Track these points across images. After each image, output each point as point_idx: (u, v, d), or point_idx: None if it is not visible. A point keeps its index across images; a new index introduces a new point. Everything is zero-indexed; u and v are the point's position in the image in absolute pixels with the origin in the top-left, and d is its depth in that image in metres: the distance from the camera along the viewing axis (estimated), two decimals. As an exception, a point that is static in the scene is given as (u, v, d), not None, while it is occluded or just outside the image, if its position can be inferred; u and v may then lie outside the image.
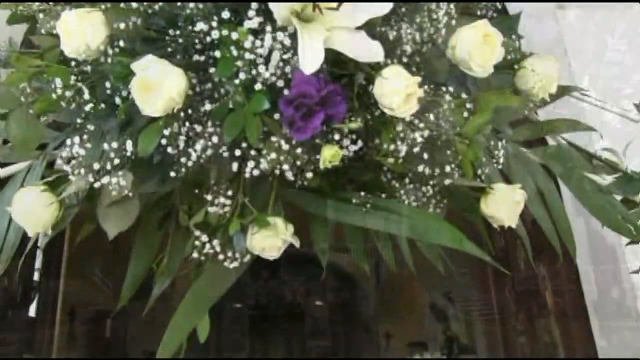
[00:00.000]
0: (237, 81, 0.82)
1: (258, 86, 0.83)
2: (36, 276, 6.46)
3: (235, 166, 0.89)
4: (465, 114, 0.95)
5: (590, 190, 1.11)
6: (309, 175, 0.89)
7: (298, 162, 0.86)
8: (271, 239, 0.94)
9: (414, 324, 14.61)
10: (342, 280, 19.34)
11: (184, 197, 1.02)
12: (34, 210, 0.94)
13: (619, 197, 1.13)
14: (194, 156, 0.87)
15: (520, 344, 2.83)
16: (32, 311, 4.48)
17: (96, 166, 0.87)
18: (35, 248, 3.06)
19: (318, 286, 19.73)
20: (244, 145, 0.85)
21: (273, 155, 0.84)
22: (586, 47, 1.64)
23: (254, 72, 0.82)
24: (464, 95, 0.97)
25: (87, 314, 9.67)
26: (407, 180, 0.97)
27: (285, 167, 0.86)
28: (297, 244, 0.99)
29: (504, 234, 3.07)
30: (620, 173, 1.11)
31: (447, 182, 0.98)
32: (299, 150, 0.85)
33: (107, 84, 0.91)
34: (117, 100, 0.92)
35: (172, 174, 0.90)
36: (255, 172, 0.87)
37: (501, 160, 1.03)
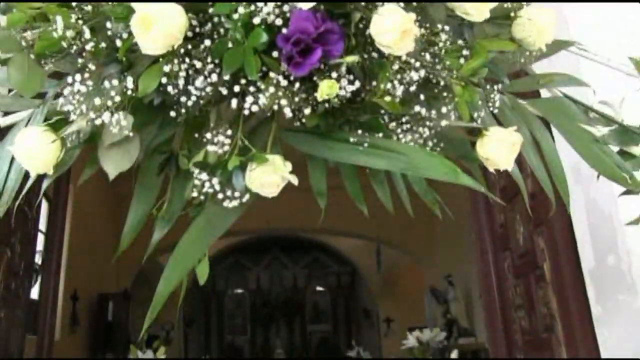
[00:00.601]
0: (236, 16, 0.83)
1: (257, 20, 0.84)
2: (38, 258, 6.54)
3: (234, 102, 0.90)
4: (462, 61, 0.97)
5: (586, 140, 1.12)
6: (307, 111, 0.90)
7: (296, 99, 0.87)
8: (269, 176, 0.96)
9: (414, 307, 14.75)
10: (342, 265, 19.46)
11: (184, 142, 1.04)
12: (36, 150, 0.96)
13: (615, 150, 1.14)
14: (194, 95, 0.89)
15: (519, 317, 2.85)
16: (34, 294, 4.52)
17: (97, 101, 0.89)
18: (36, 230, 3.06)
19: (319, 271, 19.88)
20: (243, 81, 0.87)
21: (272, 90, 0.85)
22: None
23: (252, 7, 0.83)
24: (460, 42, 0.98)
25: (90, 296, 9.70)
26: (403, 120, 0.99)
27: (284, 102, 0.87)
28: (295, 181, 1.00)
29: (503, 210, 3.09)
30: (616, 125, 1.12)
31: (443, 123, 0.99)
32: (297, 86, 0.86)
33: (108, 24, 0.93)
34: (118, 42, 0.94)
35: (173, 113, 0.91)
36: (255, 108, 0.88)
37: (497, 105, 1.04)
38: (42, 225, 7.07)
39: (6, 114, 1.17)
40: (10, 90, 1.08)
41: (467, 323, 9.73)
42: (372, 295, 17.49)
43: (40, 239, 7.97)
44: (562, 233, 2.25)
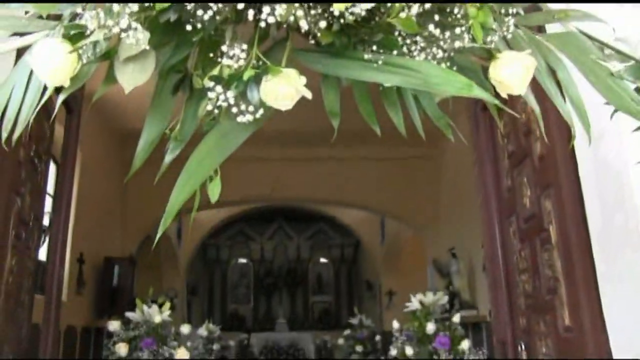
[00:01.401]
0: None
1: None
2: (46, 220, 6.56)
3: (251, 14, 0.90)
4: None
5: (602, 74, 1.11)
6: (323, 24, 0.89)
7: (312, 11, 0.86)
8: (284, 87, 0.95)
9: (416, 281, 14.82)
10: (346, 237, 19.53)
11: (198, 62, 1.04)
12: (53, 60, 0.96)
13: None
14: (211, 8, 0.88)
15: (522, 281, 2.86)
16: (42, 255, 4.56)
17: (116, 7, 0.88)
18: (45, 182, 3.07)
19: (323, 242, 19.95)
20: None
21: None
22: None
23: None
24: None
25: (96, 260, 9.79)
26: (417, 39, 0.98)
27: (300, 13, 0.86)
28: (309, 95, 0.99)
29: (510, 175, 3.08)
30: (632, 62, 1.11)
31: (456, 45, 0.98)
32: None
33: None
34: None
35: (189, 27, 0.91)
36: (271, 20, 0.87)
37: (511, 30, 1.03)
38: (50, 188, 7.15)
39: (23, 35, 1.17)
40: (26, 13, 1.08)
41: (469, 296, 9.79)
42: (375, 268, 17.62)
43: (48, 202, 8.02)
44: (570, 193, 2.25)
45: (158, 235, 1.08)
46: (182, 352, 2.82)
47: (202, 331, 6.64)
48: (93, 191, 10.23)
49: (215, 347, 6.45)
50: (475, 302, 9.75)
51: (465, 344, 3.09)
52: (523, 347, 2.77)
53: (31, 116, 1.08)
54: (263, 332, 18.20)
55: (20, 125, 1.09)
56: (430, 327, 3.09)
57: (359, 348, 6.16)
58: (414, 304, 3.23)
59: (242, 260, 20.54)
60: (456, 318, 3.23)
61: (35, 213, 2.82)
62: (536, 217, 2.60)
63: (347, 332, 6.47)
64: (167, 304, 2.96)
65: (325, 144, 11.62)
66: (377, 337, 6.48)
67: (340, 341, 6.46)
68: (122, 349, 2.79)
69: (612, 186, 2.00)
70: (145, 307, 2.94)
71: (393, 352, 3.25)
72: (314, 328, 18.74)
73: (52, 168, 6.33)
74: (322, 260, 20.71)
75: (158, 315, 2.92)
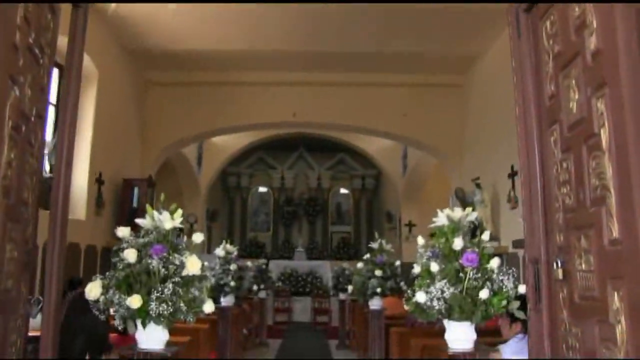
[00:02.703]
0: None
1: None
2: (50, 141, 6.42)
3: None
4: None
5: None
6: None
7: None
8: None
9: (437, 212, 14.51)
10: (367, 168, 19.46)
11: None
12: None
13: None
14: None
15: (562, 195, 2.63)
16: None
17: None
18: (48, 77, 2.85)
19: (344, 173, 19.91)
20: None
21: None
22: None
23: None
24: None
25: (115, 181, 9.74)
26: None
27: None
28: None
29: (554, 80, 2.81)
30: None
31: None
32: None
33: None
34: None
35: None
36: None
37: None
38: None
39: None
40: None
41: (492, 227, 9.63)
42: (396, 199, 17.52)
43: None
44: (629, 91, 1.99)
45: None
46: (193, 260, 2.66)
47: (220, 251, 6.56)
48: (111, 111, 10.08)
49: (233, 267, 6.37)
50: (498, 233, 9.60)
51: (494, 262, 2.90)
52: (559, 264, 2.57)
53: None
54: (282, 259, 18.39)
55: None
56: (458, 243, 2.89)
57: (378, 272, 6.03)
58: (441, 219, 3.02)
59: (262, 189, 20.56)
60: (485, 236, 3.03)
61: (38, 110, 2.62)
62: (585, 122, 2.34)
63: (366, 256, 6.34)
64: (179, 211, 2.78)
65: (349, 68, 11.32)
66: (397, 262, 6.35)
67: (360, 265, 6.33)
68: (130, 255, 2.63)
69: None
70: (155, 214, 2.77)
71: (416, 269, 3.06)
72: (333, 257, 18.87)
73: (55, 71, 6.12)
74: (343, 190, 20.64)
75: (169, 221, 2.74)
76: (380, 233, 6.58)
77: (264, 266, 12.04)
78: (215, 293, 6.49)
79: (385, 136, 13.82)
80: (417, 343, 5.07)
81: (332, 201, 20.64)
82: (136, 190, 10.58)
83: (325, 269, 17.30)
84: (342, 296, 11.64)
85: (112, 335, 3.49)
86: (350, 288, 6.48)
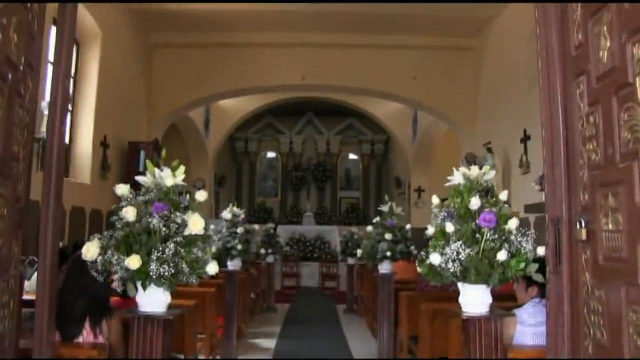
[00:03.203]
0: None
1: None
2: (45, 105, 6.28)
3: None
4: None
5: None
6: None
7: None
8: None
9: (447, 178, 14.41)
10: (377, 133, 19.24)
11: None
12: None
13: None
14: None
15: (588, 151, 2.45)
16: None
17: None
18: (39, 23, 2.69)
19: (353, 138, 19.70)
20: None
21: None
22: None
23: None
24: None
25: (121, 145, 9.61)
26: None
27: None
28: None
29: (583, 27, 2.62)
30: None
31: None
32: None
33: None
34: None
35: None
36: None
37: None
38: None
39: None
40: None
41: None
42: (405, 164, 17.34)
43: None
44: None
45: None
46: (195, 219, 2.52)
47: (227, 214, 6.44)
48: (116, 73, 9.90)
49: (240, 230, 6.25)
50: (510, 198, 9.43)
51: (512, 223, 2.74)
52: (583, 224, 2.41)
53: None
54: (290, 225, 18.34)
55: None
56: (475, 203, 2.73)
57: (388, 236, 5.90)
58: (457, 177, 2.86)
59: (271, 154, 20.41)
60: (503, 196, 2.87)
61: (28, 59, 2.46)
62: (617, 71, 2.16)
63: (376, 219, 6.20)
64: (182, 168, 2.64)
65: (359, 30, 11.03)
66: (408, 226, 6.21)
67: (369, 228, 6.20)
68: (129, 213, 2.49)
69: None
70: (157, 171, 2.62)
71: (430, 230, 2.91)
72: (341, 223, 18.80)
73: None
74: (352, 156, 20.46)
75: (170, 178, 2.60)
76: (389, 199, 6.42)
77: (272, 231, 11.95)
78: (223, 257, 6.40)
79: (396, 100, 13.57)
80: (427, 308, 4.96)
81: (341, 167, 20.49)
82: (142, 154, 10.44)
83: (334, 235, 17.24)
84: (350, 261, 11.56)
85: (114, 299, 3.38)
86: (359, 252, 6.34)
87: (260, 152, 20.34)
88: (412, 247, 6.13)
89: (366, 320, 9.77)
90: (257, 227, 7.22)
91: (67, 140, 8.85)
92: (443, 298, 5.05)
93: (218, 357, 6.42)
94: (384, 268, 6.18)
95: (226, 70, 11.69)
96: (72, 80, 9.02)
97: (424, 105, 12.73)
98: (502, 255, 2.66)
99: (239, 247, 6.21)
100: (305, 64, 11.75)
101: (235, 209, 6.61)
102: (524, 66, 9.22)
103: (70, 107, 8.93)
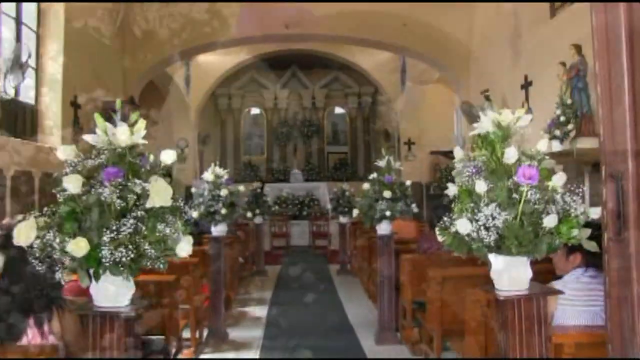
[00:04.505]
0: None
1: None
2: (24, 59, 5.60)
3: None
4: None
5: None
6: None
7: None
8: None
9: (438, 129, 13.93)
10: (364, 85, 18.40)
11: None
12: None
13: None
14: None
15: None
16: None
17: None
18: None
19: (339, 91, 18.85)
20: None
21: None
22: None
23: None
24: None
25: (94, 105, 8.87)
26: None
27: None
28: None
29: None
30: None
31: None
32: None
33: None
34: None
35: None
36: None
37: None
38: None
39: None
40: None
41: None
42: (394, 116, 16.72)
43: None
44: None
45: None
46: (158, 187, 1.92)
47: (209, 176, 5.84)
48: (85, 28, 9.09)
49: (223, 192, 5.67)
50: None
51: (559, 179, 2.19)
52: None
53: None
54: (277, 182, 17.79)
55: None
56: (512, 154, 2.17)
57: (387, 194, 5.35)
58: (485, 123, 2.28)
59: (255, 110, 19.67)
60: (542, 145, 2.31)
61: None
62: None
63: (372, 175, 5.63)
64: (142, 122, 2.04)
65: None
66: (408, 182, 5.66)
67: (365, 185, 5.63)
68: (72, 182, 1.90)
69: None
70: (109, 125, 2.03)
71: (451, 190, 2.35)
72: (330, 179, 18.30)
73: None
74: (338, 109, 19.77)
75: (126, 134, 2.01)
76: (377, 153, 5.85)
77: (258, 190, 11.38)
78: (206, 221, 5.84)
79: (386, 48, 12.86)
80: (435, 274, 4.44)
81: (327, 121, 19.82)
82: (118, 114, 9.72)
83: (323, 191, 16.72)
84: (342, 219, 11.05)
85: (70, 284, 2.81)
86: (355, 212, 5.80)
87: (244, 108, 19.60)
88: (413, 205, 5.59)
89: (361, 281, 9.33)
90: (242, 187, 6.61)
91: (32, 101, 8.15)
92: (450, 261, 4.53)
93: (205, 332, 5.93)
94: (383, 229, 5.65)
95: (205, 21, 10.89)
96: (35, 36, 8.27)
97: (411, 51, 12.04)
98: (550, 221, 2.10)
99: (223, 211, 5.64)
100: (288, 11, 10.96)
101: (217, 169, 6.00)
102: (523, 5, 8.59)
103: (34, 65, 8.20)
